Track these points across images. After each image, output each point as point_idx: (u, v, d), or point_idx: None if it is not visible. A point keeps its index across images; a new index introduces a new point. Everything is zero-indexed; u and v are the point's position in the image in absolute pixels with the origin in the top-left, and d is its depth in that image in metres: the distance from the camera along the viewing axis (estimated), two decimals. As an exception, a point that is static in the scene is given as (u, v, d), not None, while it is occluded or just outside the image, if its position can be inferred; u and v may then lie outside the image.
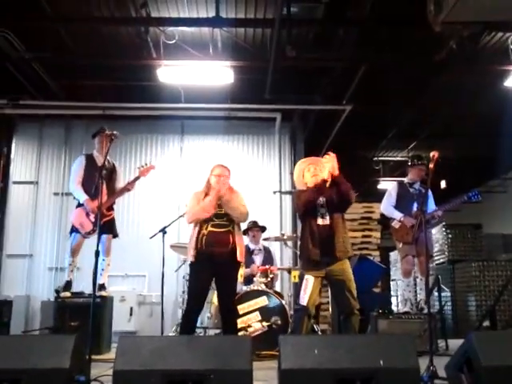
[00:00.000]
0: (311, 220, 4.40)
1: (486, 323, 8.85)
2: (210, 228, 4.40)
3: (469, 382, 2.51)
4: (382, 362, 2.35)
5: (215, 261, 4.35)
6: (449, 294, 9.37)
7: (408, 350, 2.44)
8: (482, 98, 9.06)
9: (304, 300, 4.12)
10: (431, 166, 3.72)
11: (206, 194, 4.53)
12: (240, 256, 4.48)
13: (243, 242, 4.67)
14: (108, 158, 5.62)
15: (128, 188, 5.63)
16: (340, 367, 2.37)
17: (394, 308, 7.16)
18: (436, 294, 6.23)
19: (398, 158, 13.47)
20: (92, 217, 5.48)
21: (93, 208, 5.44)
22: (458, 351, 2.69)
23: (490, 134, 10.26)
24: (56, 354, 2.43)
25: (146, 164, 5.72)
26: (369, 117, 9.84)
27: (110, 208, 5.63)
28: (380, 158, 13.60)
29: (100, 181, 3.96)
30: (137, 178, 5.59)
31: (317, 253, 4.24)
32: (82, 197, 5.55)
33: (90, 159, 5.76)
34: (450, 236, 10.50)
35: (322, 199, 4.43)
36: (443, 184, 13.86)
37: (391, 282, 12.30)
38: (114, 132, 4.01)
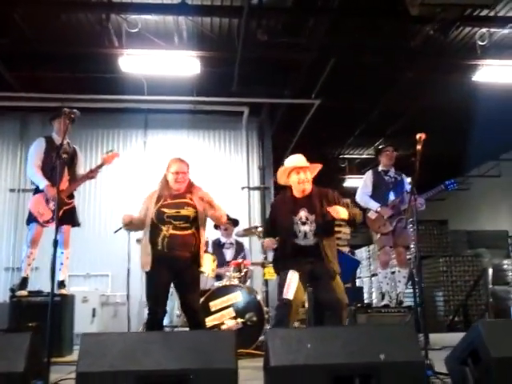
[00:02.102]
0: (290, 237, 4.00)
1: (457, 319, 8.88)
2: (171, 231, 4.02)
3: (474, 376, 2.30)
4: (382, 356, 2.11)
5: (176, 265, 4.02)
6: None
7: (410, 341, 2.21)
8: (448, 94, 9.06)
9: (288, 294, 3.75)
10: (419, 147, 3.55)
11: (159, 197, 4.14)
12: (199, 260, 4.16)
13: (204, 242, 4.34)
14: (69, 141, 5.32)
15: (91, 175, 5.26)
16: (336, 362, 2.12)
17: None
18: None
19: (364, 156, 13.46)
20: (52, 204, 5.09)
21: (53, 195, 5.06)
22: (461, 343, 2.47)
23: (455, 131, 10.32)
24: (7, 356, 2.09)
25: (111, 151, 5.40)
26: (336, 113, 9.78)
27: (71, 196, 5.25)
28: (346, 156, 13.58)
29: (58, 161, 3.59)
30: (101, 165, 5.24)
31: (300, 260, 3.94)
32: (42, 182, 5.13)
33: (50, 142, 5.34)
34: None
35: (303, 214, 4.01)
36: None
37: (357, 280, 12.23)
38: (74, 110, 3.66)
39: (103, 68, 8.00)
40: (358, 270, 12.44)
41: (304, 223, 3.98)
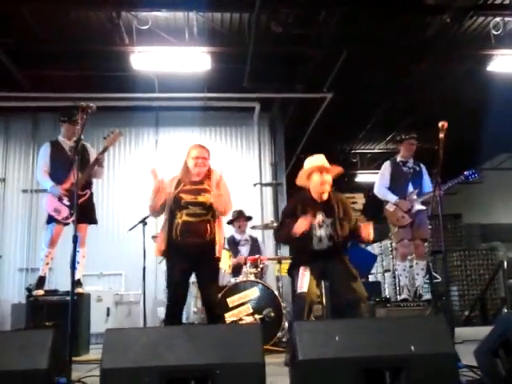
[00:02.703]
0: (306, 240, 3.92)
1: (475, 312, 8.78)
2: (184, 217, 3.96)
3: (506, 368, 2.24)
4: (413, 348, 2.06)
5: (191, 253, 3.94)
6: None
7: (441, 332, 2.14)
8: (462, 85, 8.95)
9: (303, 287, 3.74)
10: (441, 135, 3.48)
11: (179, 182, 4.10)
12: (218, 252, 4.06)
13: (223, 234, 4.26)
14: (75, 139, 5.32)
15: (98, 162, 5.25)
16: (365, 355, 2.06)
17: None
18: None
19: (376, 151, 13.37)
20: (65, 200, 5.14)
21: (62, 190, 5.14)
22: (491, 334, 2.40)
23: (468, 123, 10.19)
24: (31, 353, 2.06)
25: (112, 132, 5.35)
26: (348, 107, 9.68)
27: (85, 187, 5.23)
28: (357, 151, 13.49)
29: (74, 157, 3.57)
30: (105, 149, 5.26)
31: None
32: (48, 183, 5.25)
33: (55, 145, 5.44)
34: (430, 227, 10.34)
35: (321, 218, 3.94)
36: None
37: (370, 276, 12.14)
38: (91, 104, 3.64)
39: (114, 66, 7.98)
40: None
41: (320, 226, 3.93)
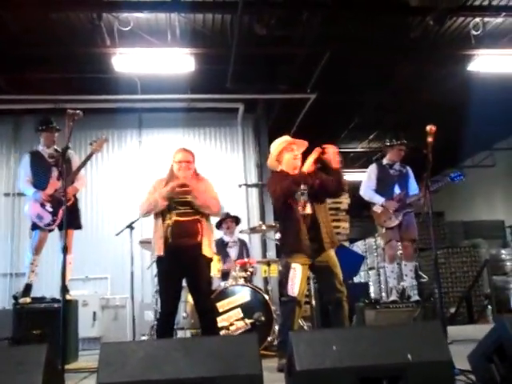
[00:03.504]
0: (292, 209, 4.09)
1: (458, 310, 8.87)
2: (174, 217, 3.96)
3: (501, 374, 2.26)
4: (410, 357, 2.06)
5: (184, 256, 3.93)
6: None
7: (437, 340, 2.16)
8: (443, 86, 9.05)
9: (294, 290, 3.83)
10: (430, 139, 3.51)
11: (167, 183, 4.09)
12: (207, 249, 4.04)
13: (212, 232, 4.25)
14: (56, 147, 5.44)
15: (82, 167, 5.27)
16: (363, 365, 2.06)
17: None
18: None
19: (358, 150, 13.43)
20: (48, 206, 5.15)
21: (45, 196, 5.15)
22: (486, 339, 2.42)
23: (449, 121, 10.29)
24: (25, 370, 2.02)
25: (99, 138, 5.41)
26: (331, 107, 9.72)
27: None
28: (340, 150, 13.49)
29: (62, 165, 3.56)
30: (90, 155, 5.25)
31: (304, 241, 3.98)
32: (30, 191, 5.27)
33: (35, 155, 5.48)
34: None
35: (302, 186, 4.12)
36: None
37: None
38: (78, 111, 3.61)
39: (96, 68, 7.92)
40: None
41: (303, 194, 4.12)
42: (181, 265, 3.95)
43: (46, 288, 6.19)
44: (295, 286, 3.82)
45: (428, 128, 3.53)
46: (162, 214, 4.02)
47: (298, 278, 3.84)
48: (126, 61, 7.17)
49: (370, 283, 11.35)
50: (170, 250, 3.94)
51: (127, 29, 6.91)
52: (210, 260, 4.15)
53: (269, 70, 8.44)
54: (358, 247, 12.81)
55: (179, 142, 9.29)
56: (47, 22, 6.99)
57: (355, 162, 13.76)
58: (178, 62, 7.27)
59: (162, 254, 3.95)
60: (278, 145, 4.29)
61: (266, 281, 5.92)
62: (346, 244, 8.89)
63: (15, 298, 5.08)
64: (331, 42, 7.39)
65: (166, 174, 4.26)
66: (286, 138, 4.33)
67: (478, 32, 7.55)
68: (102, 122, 9.23)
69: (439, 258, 10.80)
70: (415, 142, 12.29)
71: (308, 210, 4.09)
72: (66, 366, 4.07)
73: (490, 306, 9.23)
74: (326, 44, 7.43)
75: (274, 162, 4.31)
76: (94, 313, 7.53)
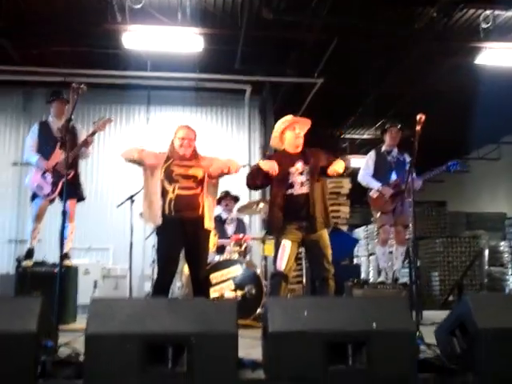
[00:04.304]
0: (284, 188, 4.16)
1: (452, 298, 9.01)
2: (177, 191, 4.05)
3: (461, 346, 2.43)
4: (374, 325, 2.23)
5: (185, 227, 4.04)
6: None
7: (402, 312, 2.32)
8: (451, 77, 9.08)
9: (281, 265, 3.97)
10: (418, 128, 3.62)
11: (168, 157, 4.17)
12: (208, 222, 4.15)
13: (212, 206, 4.33)
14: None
15: (85, 145, 5.29)
16: (331, 330, 2.23)
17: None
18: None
19: (365, 136, 13.49)
20: (49, 177, 5.24)
21: (46, 166, 5.23)
22: (450, 315, 2.59)
23: (456, 113, 10.35)
24: (22, 317, 2.21)
25: (103, 117, 5.45)
26: (338, 93, 9.79)
27: (70, 166, 5.22)
28: (347, 136, 13.60)
29: (65, 136, 3.69)
30: (93, 133, 5.24)
31: (292, 221, 4.09)
32: (34, 157, 5.32)
33: (43, 126, 5.53)
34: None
35: (300, 166, 4.17)
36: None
37: (355, 259, 12.35)
38: (82, 85, 3.73)
39: (106, 43, 8.03)
40: (356, 249, 12.54)
41: (301, 173, 4.17)
42: (181, 235, 4.05)
43: (49, 254, 6.40)
44: (283, 261, 3.96)
45: (418, 117, 3.63)
46: (163, 187, 4.09)
47: (286, 253, 3.97)
48: (136, 38, 7.27)
49: (370, 268, 11.50)
50: (170, 221, 4.04)
51: (138, 6, 7.01)
52: (210, 232, 4.29)
53: (277, 54, 8.52)
54: (359, 233, 12.94)
55: (186, 120, 9.39)
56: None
57: (361, 149, 13.82)
58: (187, 41, 7.36)
59: (160, 223, 4.05)
60: (280, 123, 4.34)
61: (265, 258, 6.07)
62: (345, 228, 9.02)
63: (18, 261, 5.28)
64: (339, 29, 7.45)
65: (167, 149, 4.31)
66: (288, 117, 4.36)
67: (488, 25, 7.59)
68: (111, 97, 9.39)
69: (438, 247, 10.96)
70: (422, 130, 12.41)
71: (304, 189, 4.16)
72: (64, 327, 4.31)
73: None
74: (334, 31, 7.49)
75: (278, 142, 4.37)
76: (95, 281, 7.73)
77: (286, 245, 4.01)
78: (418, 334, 2.91)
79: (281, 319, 2.24)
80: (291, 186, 4.16)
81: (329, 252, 4.12)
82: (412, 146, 3.64)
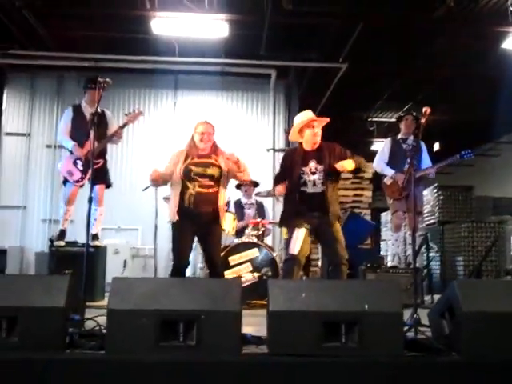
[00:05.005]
0: (298, 186, 4.32)
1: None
2: (197, 188, 4.31)
3: (449, 328, 2.62)
4: (366, 306, 2.44)
5: (200, 219, 4.32)
6: (435, 253, 9.50)
7: (392, 295, 2.52)
8: (479, 61, 9.00)
9: (294, 249, 4.14)
10: (423, 120, 3.74)
11: (187, 155, 4.42)
12: (221, 212, 4.43)
13: (225, 204, 4.60)
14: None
15: (116, 135, 5.57)
16: (326, 310, 2.45)
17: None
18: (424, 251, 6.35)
19: (393, 120, 13.45)
20: (80, 164, 5.48)
21: (80, 153, 5.45)
22: (441, 299, 2.78)
23: (486, 97, 10.25)
24: (51, 293, 2.50)
25: (134, 110, 5.64)
26: (364, 77, 9.80)
27: (100, 155, 5.52)
28: (374, 119, 13.58)
29: (91, 129, 3.94)
30: (124, 125, 5.51)
31: (305, 216, 4.26)
32: (70, 143, 5.52)
33: (77, 110, 5.70)
34: (441, 197, 10.58)
35: (313, 165, 4.32)
36: (437, 146, 13.91)
37: (381, 243, 12.44)
38: (107, 79, 3.97)
39: (135, 29, 8.23)
40: (382, 233, 12.61)
41: (314, 173, 4.31)
42: (196, 226, 4.34)
43: (82, 235, 6.75)
44: (296, 246, 4.13)
45: (424, 110, 3.73)
46: (184, 184, 4.35)
47: (300, 239, 4.14)
48: (164, 24, 7.48)
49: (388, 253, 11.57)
50: (188, 213, 4.31)
51: (167, -7, 7.19)
52: (221, 228, 4.60)
53: (302, 39, 8.58)
54: (385, 217, 12.98)
55: (213, 104, 9.68)
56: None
57: (389, 132, 13.79)
58: (213, 27, 7.54)
59: (175, 219, 4.33)
60: (300, 121, 4.46)
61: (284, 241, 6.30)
62: (368, 212, 9.15)
63: (51, 241, 5.62)
64: (363, 15, 7.49)
65: (186, 145, 4.56)
66: (308, 115, 4.46)
67: (517, 9, 7.50)
68: (139, 82, 9.65)
69: (463, 232, 10.97)
70: (449, 114, 12.30)
71: (317, 188, 4.29)
72: (92, 303, 4.63)
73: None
74: (358, 17, 7.54)
75: (296, 135, 4.50)
76: (125, 261, 8.09)
77: (300, 231, 4.18)
78: (416, 316, 3.12)
79: (280, 299, 2.48)
80: (304, 184, 4.31)
81: (341, 236, 4.25)
82: (416, 136, 3.76)
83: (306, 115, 4.47)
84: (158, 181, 4.53)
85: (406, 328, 2.94)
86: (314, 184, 4.30)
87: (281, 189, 4.35)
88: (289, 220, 4.39)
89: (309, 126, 4.38)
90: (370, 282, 2.62)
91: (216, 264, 4.45)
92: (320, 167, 4.31)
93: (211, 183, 4.35)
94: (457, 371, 2.39)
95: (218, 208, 4.39)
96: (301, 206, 4.28)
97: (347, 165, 4.19)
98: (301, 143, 4.50)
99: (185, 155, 4.45)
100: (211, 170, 4.37)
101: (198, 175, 4.34)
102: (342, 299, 2.48)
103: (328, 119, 4.47)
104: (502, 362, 2.41)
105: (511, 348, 2.44)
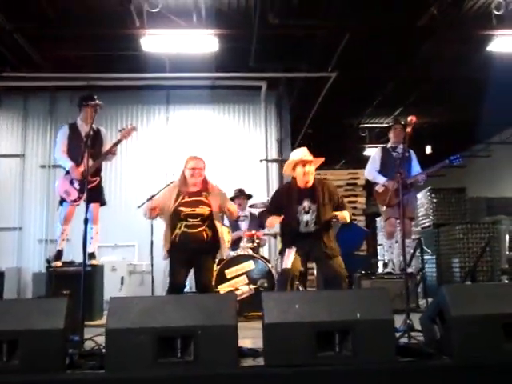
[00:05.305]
0: (293, 222, 4.35)
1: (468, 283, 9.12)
2: (183, 228, 4.47)
3: (441, 332, 2.69)
4: (358, 315, 2.51)
5: (188, 254, 4.46)
6: (431, 256, 9.57)
7: (383, 303, 2.59)
8: (465, 64, 9.11)
9: (287, 264, 4.21)
10: (408, 130, 3.82)
11: (178, 194, 4.55)
12: (223, 251, 4.63)
13: (224, 234, 4.75)
14: (93, 126, 5.64)
15: (111, 152, 5.63)
16: (319, 320, 2.52)
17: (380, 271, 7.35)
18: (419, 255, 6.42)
19: (384, 125, 13.55)
20: (76, 184, 5.54)
21: (77, 175, 5.50)
22: (432, 304, 2.85)
23: (474, 99, 10.35)
24: (50, 316, 2.56)
25: (127, 126, 5.71)
26: (354, 84, 9.89)
27: (96, 174, 5.60)
28: (366, 125, 13.69)
29: (85, 150, 4.01)
30: (118, 142, 5.57)
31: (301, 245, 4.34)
32: (68, 163, 5.57)
33: (73, 128, 5.76)
34: (434, 200, 10.67)
35: (306, 204, 4.36)
36: (428, 149, 14.01)
37: (378, 247, 12.50)
38: (99, 102, 4.04)
39: (126, 47, 8.28)
40: (378, 238, 12.68)
41: (307, 212, 4.35)
42: (189, 258, 4.50)
43: (78, 254, 6.78)
44: (289, 260, 4.21)
45: (409, 119, 3.81)
46: (172, 222, 4.51)
47: (292, 255, 4.23)
48: (154, 41, 7.55)
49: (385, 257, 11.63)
50: (177, 249, 4.48)
51: (155, 10, 7.27)
52: (215, 257, 4.74)
53: (291, 49, 8.68)
54: (377, 222, 13.04)
55: (205, 117, 9.78)
56: (81, 5, 7.41)
57: (381, 138, 13.90)
58: (202, 42, 7.61)
59: (167, 249, 4.52)
60: (293, 158, 4.49)
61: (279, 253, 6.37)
62: (362, 219, 9.24)
63: (48, 262, 5.66)
64: (349, 26, 7.59)
65: (177, 181, 4.73)
66: (300, 154, 4.48)
67: (500, 12, 7.62)
68: (131, 98, 9.74)
69: (458, 233, 11.04)
70: (439, 117, 12.40)
71: (310, 228, 4.35)
72: (91, 322, 4.67)
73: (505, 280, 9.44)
74: (344, 28, 7.64)
75: (289, 170, 4.52)
76: (122, 277, 8.12)
77: (292, 250, 4.26)
78: (409, 321, 3.18)
79: (275, 312, 2.54)
80: (298, 223, 4.36)
81: (339, 259, 4.28)
82: (404, 145, 3.82)
83: (299, 153, 4.49)
84: (154, 212, 4.63)
85: (399, 334, 3.01)
86: (307, 224, 4.35)
87: (273, 221, 4.39)
88: (286, 245, 4.43)
89: (301, 165, 4.40)
90: (361, 291, 2.69)
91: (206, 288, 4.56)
92: (313, 206, 4.35)
93: (199, 223, 4.49)
94: (448, 374, 2.46)
95: (211, 244, 4.52)
96: (296, 242, 4.33)
97: (347, 216, 4.32)
98: (294, 178, 4.52)
99: (176, 194, 4.58)
100: (200, 210, 4.51)
101: (188, 215, 4.48)
102: (334, 309, 2.55)
103: (322, 159, 4.49)
104: (492, 363, 2.47)
105: (501, 349, 2.50)
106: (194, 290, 5.79)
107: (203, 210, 4.51)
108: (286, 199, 4.44)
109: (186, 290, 5.05)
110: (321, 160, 4.48)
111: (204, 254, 4.53)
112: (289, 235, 4.41)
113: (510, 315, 2.54)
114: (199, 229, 4.49)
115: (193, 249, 4.45)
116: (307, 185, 4.42)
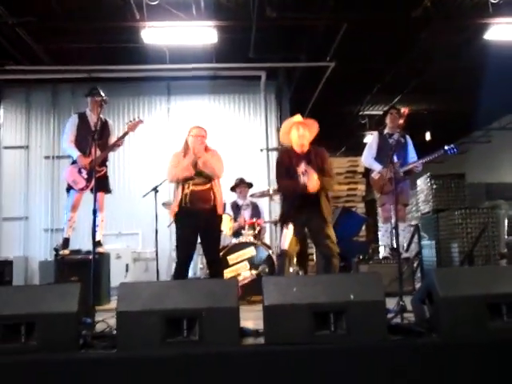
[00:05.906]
0: (292, 185, 4.51)
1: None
2: (191, 187, 4.67)
3: (430, 313, 2.86)
4: (352, 297, 2.68)
5: (198, 216, 4.62)
6: (429, 241, 9.72)
7: (376, 286, 2.77)
8: (465, 51, 9.19)
9: (284, 245, 4.40)
10: (401, 121, 3.95)
11: (185, 154, 4.76)
12: (219, 209, 4.76)
13: (222, 195, 4.89)
14: (101, 116, 5.73)
15: (118, 144, 5.81)
16: (316, 302, 2.70)
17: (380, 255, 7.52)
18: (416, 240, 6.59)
19: (383, 113, 13.62)
20: (84, 173, 5.70)
21: (85, 164, 5.65)
22: (422, 286, 3.03)
23: (473, 86, 10.43)
24: (65, 300, 2.75)
25: (134, 119, 5.86)
26: (353, 73, 9.97)
27: (102, 164, 5.79)
28: (366, 113, 13.77)
29: (93, 144, 4.18)
30: (125, 134, 5.75)
31: (297, 213, 4.49)
32: (75, 153, 5.72)
33: (82, 118, 5.89)
34: (434, 186, 10.78)
35: (303, 166, 4.52)
36: (428, 136, 14.11)
37: (379, 233, 12.65)
38: (104, 97, 4.19)
39: (126, 39, 8.39)
40: (380, 224, 12.81)
41: (304, 174, 4.52)
42: (196, 224, 4.65)
43: (84, 242, 6.99)
44: (286, 242, 4.40)
45: (402, 110, 3.93)
46: (181, 184, 4.72)
47: (289, 235, 4.41)
48: (154, 33, 7.67)
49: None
50: (186, 211, 4.66)
51: (155, 3, 7.37)
52: (221, 217, 4.91)
53: (290, 40, 8.78)
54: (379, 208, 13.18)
55: (205, 108, 9.90)
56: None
57: (380, 125, 13.98)
58: (202, 33, 7.73)
59: (176, 210, 4.69)
60: (287, 123, 4.71)
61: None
62: (361, 206, 9.40)
63: (56, 250, 5.84)
64: (347, 17, 7.68)
65: (181, 148, 4.91)
66: (294, 118, 4.70)
67: (497, 0, 7.70)
68: (133, 90, 9.86)
69: (457, 219, 11.19)
70: (438, 104, 12.46)
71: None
72: (99, 307, 4.85)
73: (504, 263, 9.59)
74: (342, 19, 7.74)
75: (285, 136, 4.71)
76: (127, 265, 8.31)
77: (290, 227, 4.43)
78: (402, 303, 3.36)
79: (274, 294, 2.72)
80: (297, 183, 4.51)
81: (331, 231, 4.48)
82: (398, 135, 3.93)
83: (293, 118, 4.70)
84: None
85: (392, 315, 3.19)
86: (305, 185, 4.49)
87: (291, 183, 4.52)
88: (285, 216, 4.62)
89: (296, 128, 4.58)
90: (356, 275, 2.87)
91: (215, 260, 4.76)
92: (309, 168, 4.51)
93: (205, 180, 4.71)
94: (437, 351, 2.63)
95: (215, 204, 4.71)
96: (296, 205, 4.50)
97: (327, 184, 4.52)
98: (291, 146, 4.69)
99: (182, 156, 4.79)
100: (202, 166, 4.70)
101: (196, 173, 4.69)
102: (329, 291, 2.73)
103: (316, 123, 4.64)
104: (478, 341, 2.65)
105: (486, 328, 2.67)
106: (197, 275, 6.00)
107: None
108: (287, 162, 4.60)
109: (189, 275, 5.25)
110: (314, 124, 4.63)
111: (211, 220, 4.70)
112: (291, 200, 4.56)
113: (495, 296, 2.71)
114: (206, 186, 4.71)
115: (199, 211, 4.61)
116: (303, 149, 4.58)
